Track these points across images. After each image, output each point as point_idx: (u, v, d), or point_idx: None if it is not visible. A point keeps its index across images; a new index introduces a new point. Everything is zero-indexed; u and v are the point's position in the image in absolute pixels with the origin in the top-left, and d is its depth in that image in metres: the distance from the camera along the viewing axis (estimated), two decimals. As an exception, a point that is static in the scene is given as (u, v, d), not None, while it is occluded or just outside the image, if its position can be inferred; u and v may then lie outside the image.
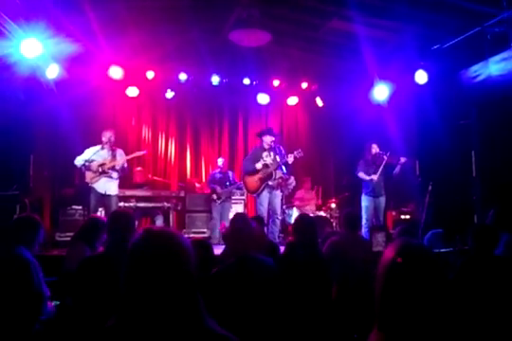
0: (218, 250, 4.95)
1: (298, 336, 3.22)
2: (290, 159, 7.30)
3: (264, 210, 7.26)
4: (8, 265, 3.03)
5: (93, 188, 6.88)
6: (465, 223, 6.41)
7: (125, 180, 8.54)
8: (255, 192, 7.38)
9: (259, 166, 7.30)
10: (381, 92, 8.44)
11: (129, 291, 1.45)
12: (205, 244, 3.32)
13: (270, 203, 7.34)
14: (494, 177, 6.92)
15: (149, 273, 1.42)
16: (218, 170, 8.93)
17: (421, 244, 1.71)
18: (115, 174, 7.03)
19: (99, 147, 7.02)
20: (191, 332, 1.42)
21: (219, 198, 8.55)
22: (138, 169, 8.97)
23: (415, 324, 1.52)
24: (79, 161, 6.93)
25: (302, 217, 4.45)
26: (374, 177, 7.63)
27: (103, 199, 6.91)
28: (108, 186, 6.93)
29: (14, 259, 3.07)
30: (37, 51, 6.41)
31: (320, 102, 10.22)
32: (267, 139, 7.47)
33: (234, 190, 8.80)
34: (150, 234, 1.52)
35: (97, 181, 6.89)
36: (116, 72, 8.67)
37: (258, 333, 2.80)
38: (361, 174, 7.78)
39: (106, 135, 7.05)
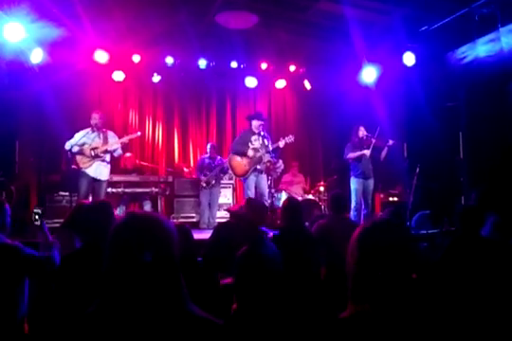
0: (206, 235, 4.96)
1: (287, 316, 3.24)
2: (281, 143, 7.30)
3: (251, 194, 7.26)
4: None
5: (84, 173, 6.79)
6: (452, 204, 6.45)
7: (115, 166, 8.49)
8: (243, 176, 7.37)
9: (250, 153, 7.26)
10: (369, 74, 8.42)
11: (110, 275, 1.44)
12: (184, 229, 3.29)
13: (257, 186, 7.34)
14: (481, 159, 6.96)
15: (131, 256, 1.41)
16: (207, 155, 8.89)
17: (390, 220, 1.77)
18: (108, 157, 6.97)
19: (88, 129, 6.94)
20: (173, 315, 1.42)
21: (208, 183, 8.52)
22: (128, 154, 8.87)
23: (387, 296, 1.54)
24: (70, 146, 6.80)
25: (289, 200, 4.46)
26: (367, 152, 7.61)
27: (93, 184, 6.85)
28: (99, 170, 6.86)
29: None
30: (20, 35, 6.31)
31: (308, 85, 10.16)
32: (255, 123, 7.44)
33: (222, 174, 8.76)
34: (133, 217, 1.51)
35: (90, 165, 6.81)
36: (101, 56, 8.53)
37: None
38: (351, 154, 7.72)
39: (95, 117, 6.96)
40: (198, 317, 1.46)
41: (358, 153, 7.65)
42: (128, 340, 1.37)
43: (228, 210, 4.44)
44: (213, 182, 8.56)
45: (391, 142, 7.57)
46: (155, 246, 1.43)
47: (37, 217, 3.30)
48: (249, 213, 3.21)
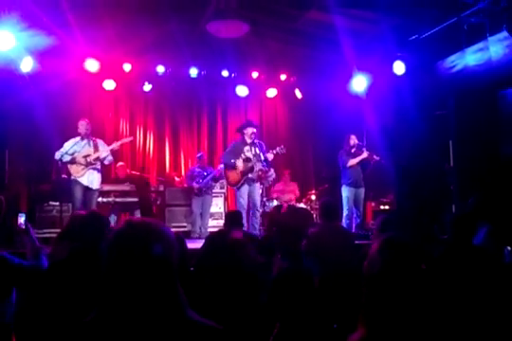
0: (198, 244, 4.93)
1: (282, 325, 3.22)
2: (270, 156, 7.27)
3: (244, 203, 7.24)
4: None
5: (77, 182, 6.75)
6: (442, 212, 6.47)
7: (106, 175, 8.45)
8: (236, 185, 7.36)
9: (239, 164, 7.25)
10: (360, 83, 8.46)
11: (110, 282, 1.42)
12: (178, 238, 3.27)
13: (250, 195, 7.32)
14: (471, 167, 6.99)
15: (131, 263, 1.40)
16: (197, 164, 8.86)
17: (406, 243, 1.70)
18: (99, 166, 6.95)
19: (78, 138, 6.92)
20: (173, 322, 1.41)
21: (200, 190, 8.49)
22: (120, 164, 8.84)
23: (402, 321, 1.52)
24: (59, 156, 6.77)
25: (277, 208, 4.45)
26: (365, 154, 7.66)
27: (86, 193, 6.81)
28: (91, 178, 6.83)
29: None
30: (10, 44, 6.29)
31: (298, 94, 10.20)
32: (249, 131, 7.40)
33: (214, 184, 8.74)
34: (133, 224, 1.50)
35: (83, 174, 6.77)
36: (92, 65, 8.52)
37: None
38: (353, 161, 7.72)
39: (83, 125, 6.93)
40: (198, 323, 1.45)
41: (359, 158, 7.69)
42: None
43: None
44: (205, 190, 8.53)
45: (376, 158, 7.69)
46: (155, 253, 1.42)
47: (22, 221, 3.21)
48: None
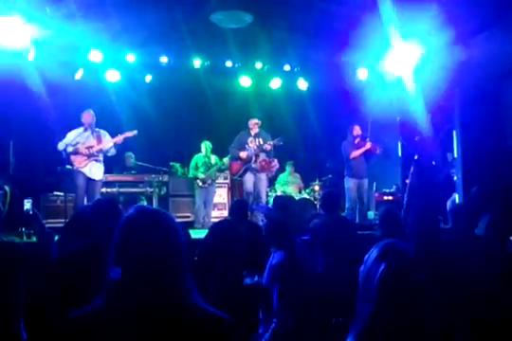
0: (201, 235, 4.98)
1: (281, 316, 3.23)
2: (267, 147, 7.30)
3: (249, 191, 7.28)
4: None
5: (81, 173, 6.76)
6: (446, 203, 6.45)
7: (113, 165, 8.47)
8: (236, 175, 7.43)
9: (243, 154, 7.30)
10: (363, 73, 8.43)
11: (118, 266, 1.44)
12: (182, 228, 3.28)
13: (255, 186, 7.34)
14: (475, 158, 6.98)
15: (140, 248, 1.43)
16: (202, 154, 8.86)
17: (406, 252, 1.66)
18: (101, 157, 6.95)
19: (81, 129, 6.91)
20: (177, 308, 1.43)
21: (204, 182, 8.50)
22: (129, 154, 8.87)
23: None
24: (63, 146, 6.79)
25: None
26: (368, 145, 7.66)
27: (88, 184, 6.82)
28: (94, 170, 6.84)
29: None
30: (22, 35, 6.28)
31: (302, 84, 10.16)
32: (251, 122, 7.45)
33: (218, 174, 8.75)
34: (143, 210, 1.55)
35: (85, 165, 6.78)
36: (95, 55, 8.50)
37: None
38: (355, 152, 7.71)
39: (87, 115, 6.93)
40: (204, 311, 1.47)
41: (362, 150, 7.68)
42: (133, 332, 1.38)
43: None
44: (210, 181, 8.53)
45: (378, 151, 7.69)
46: (164, 238, 1.47)
47: (29, 206, 3.24)
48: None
